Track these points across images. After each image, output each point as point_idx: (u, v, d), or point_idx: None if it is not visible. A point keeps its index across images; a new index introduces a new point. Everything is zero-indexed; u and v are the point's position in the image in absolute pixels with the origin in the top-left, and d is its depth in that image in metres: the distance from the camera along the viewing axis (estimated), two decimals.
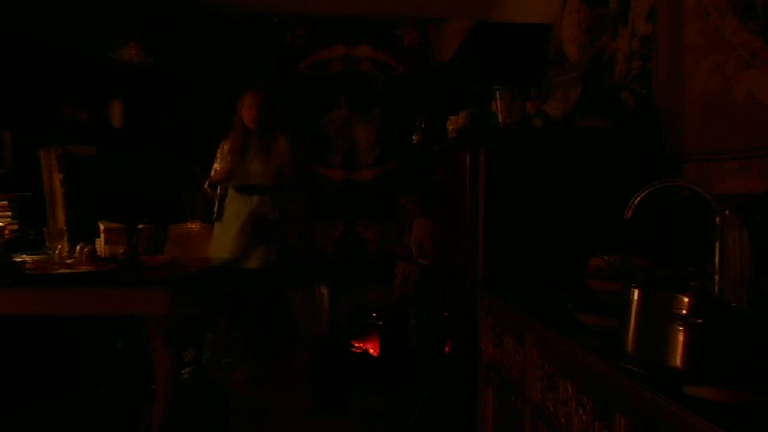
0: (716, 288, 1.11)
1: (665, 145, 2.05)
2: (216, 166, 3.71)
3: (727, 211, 1.12)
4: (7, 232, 2.89)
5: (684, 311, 1.03)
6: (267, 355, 3.85)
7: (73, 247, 2.68)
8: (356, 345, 3.97)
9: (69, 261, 2.62)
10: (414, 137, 3.63)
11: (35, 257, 2.70)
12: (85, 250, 2.61)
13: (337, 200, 4.84)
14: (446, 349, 2.54)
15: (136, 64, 4.24)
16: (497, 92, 2.20)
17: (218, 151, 3.76)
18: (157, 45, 4.34)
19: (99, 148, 3.60)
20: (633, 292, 1.16)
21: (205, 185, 3.68)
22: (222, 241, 3.60)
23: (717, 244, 1.12)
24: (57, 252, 2.72)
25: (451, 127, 2.56)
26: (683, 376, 0.99)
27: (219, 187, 3.62)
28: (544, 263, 1.96)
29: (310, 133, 4.81)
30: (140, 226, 2.92)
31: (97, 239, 2.70)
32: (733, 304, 1.07)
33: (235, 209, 3.60)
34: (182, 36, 4.48)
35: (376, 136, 4.85)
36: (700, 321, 1.01)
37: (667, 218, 1.89)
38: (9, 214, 3.15)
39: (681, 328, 1.03)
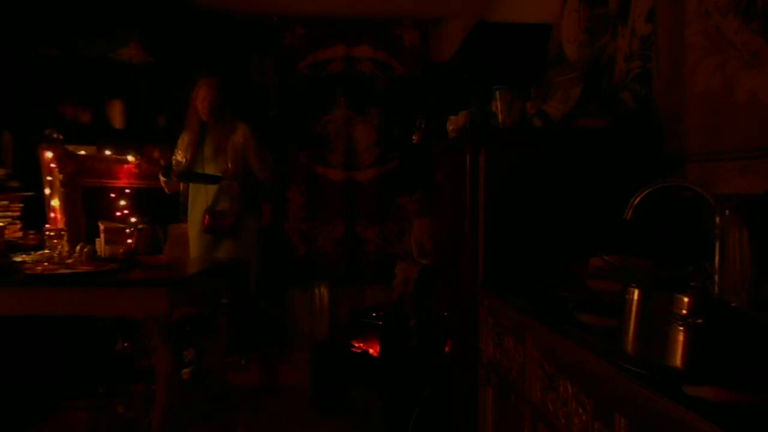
0: (716, 288, 1.11)
1: (666, 145, 2.05)
2: (179, 158, 3.64)
3: (727, 211, 1.12)
4: (7, 232, 2.89)
5: (684, 311, 1.03)
6: (263, 353, 3.84)
7: (73, 247, 2.68)
8: (356, 345, 3.96)
9: (69, 261, 2.62)
10: (414, 137, 3.62)
11: (35, 257, 2.71)
12: (85, 250, 2.61)
13: (337, 200, 4.84)
14: (446, 349, 2.53)
15: (136, 64, 4.24)
16: (497, 92, 2.19)
17: (179, 141, 3.69)
18: (157, 45, 4.34)
19: (99, 148, 3.60)
20: (633, 292, 1.16)
21: (161, 174, 3.57)
22: (192, 240, 3.60)
23: (717, 244, 1.12)
24: (57, 252, 2.73)
25: (451, 127, 2.55)
26: (683, 376, 0.99)
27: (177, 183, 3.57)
28: (545, 263, 1.96)
29: (309, 133, 4.81)
30: (140, 226, 2.93)
31: (97, 239, 2.71)
32: (733, 304, 1.07)
33: (197, 207, 3.58)
34: (182, 36, 4.47)
35: (376, 136, 4.84)
36: (700, 321, 1.01)
37: (667, 218, 1.89)
38: (9, 214, 3.15)
39: (681, 328, 1.03)
